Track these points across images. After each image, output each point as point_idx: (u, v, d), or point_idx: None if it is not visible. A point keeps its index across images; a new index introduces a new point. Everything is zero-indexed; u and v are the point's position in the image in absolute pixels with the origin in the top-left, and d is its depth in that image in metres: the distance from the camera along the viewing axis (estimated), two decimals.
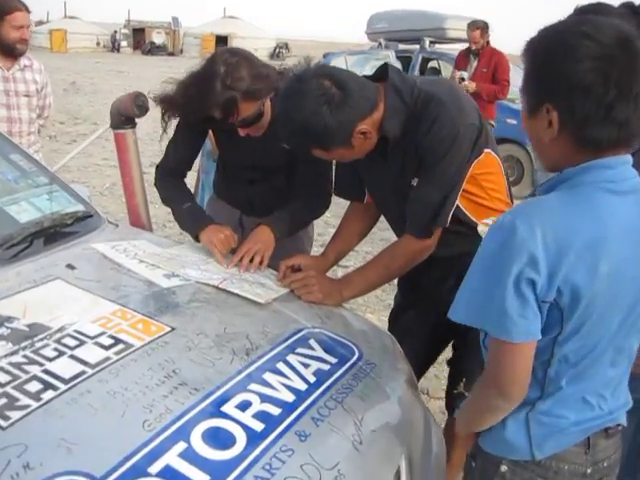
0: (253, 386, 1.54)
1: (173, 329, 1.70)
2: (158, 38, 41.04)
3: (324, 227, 6.35)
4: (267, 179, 2.52)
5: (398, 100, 1.93)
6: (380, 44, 10.35)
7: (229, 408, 1.44)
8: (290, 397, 1.54)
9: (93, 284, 1.89)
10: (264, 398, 1.51)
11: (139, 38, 41.80)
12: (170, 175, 2.48)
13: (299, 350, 1.75)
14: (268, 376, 1.59)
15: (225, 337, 1.72)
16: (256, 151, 2.40)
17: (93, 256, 2.09)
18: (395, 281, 2.46)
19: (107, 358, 1.53)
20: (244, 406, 1.46)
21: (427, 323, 2.46)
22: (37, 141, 3.85)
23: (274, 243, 2.29)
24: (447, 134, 1.90)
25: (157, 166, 2.50)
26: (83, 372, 1.46)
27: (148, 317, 1.74)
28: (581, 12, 1.85)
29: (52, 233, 2.19)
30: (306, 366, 1.68)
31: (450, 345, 2.55)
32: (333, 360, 1.76)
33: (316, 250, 2.89)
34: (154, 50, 38.94)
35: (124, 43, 40.65)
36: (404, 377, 1.91)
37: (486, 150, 2.02)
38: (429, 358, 2.58)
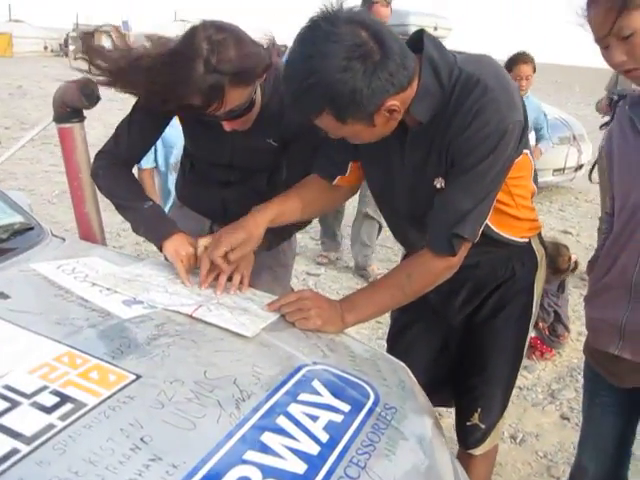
0: (250, 455, 1.14)
1: (138, 377, 1.29)
2: (108, 42, 40.16)
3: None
4: (246, 180, 2.10)
5: (434, 79, 1.53)
6: None
7: None
8: (300, 467, 1.15)
9: (32, 318, 1.46)
10: (267, 472, 1.11)
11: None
12: (122, 165, 1.99)
13: (302, 396, 1.35)
14: (268, 438, 1.20)
15: (207, 385, 1.31)
16: (237, 149, 1.97)
17: (32, 280, 1.67)
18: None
19: (50, 426, 1.11)
20: None
21: (434, 341, 2.11)
22: None
23: (254, 258, 1.90)
24: (492, 132, 1.51)
25: (100, 152, 2.01)
26: (14, 451, 1.04)
27: (105, 362, 1.32)
28: None
29: None
30: (314, 419, 1.29)
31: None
32: (346, 407, 1.37)
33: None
34: None
35: (72, 47, 39.65)
36: (430, 420, 1.53)
37: (525, 151, 1.66)
38: (439, 383, 2.21)
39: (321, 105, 1.44)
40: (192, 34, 1.66)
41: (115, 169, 1.98)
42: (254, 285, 1.85)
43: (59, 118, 2.10)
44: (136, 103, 1.92)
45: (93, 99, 2.02)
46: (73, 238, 2.11)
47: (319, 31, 1.39)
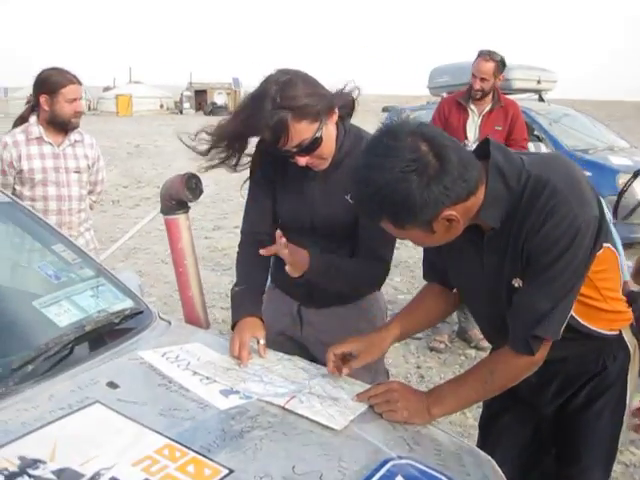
0: None
1: (231, 472, 1.38)
2: (219, 98, 41.64)
3: (393, 294, 5.99)
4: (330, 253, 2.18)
5: (501, 185, 1.59)
6: (443, 98, 10.07)
7: None
8: None
9: (138, 408, 1.59)
10: None
11: (201, 99, 42.46)
12: (247, 242, 2.24)
13: None
14: None
15: None
16: (318, 205, 2.11)
17: (139, 369, 1.81)
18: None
19: None
20: None
21: (526, 429, 2.10)
22: (88, 218, 3.66)
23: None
24: (565, 232, 1.54)
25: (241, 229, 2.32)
26: None
27: (201, 455, 1.42)
28: None
29: (96, 337, 1.94)
30: None
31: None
32: None
33: None
34: (216, 110, 39.18)
35: (187, 104, 41.48)
36: None
37: (605, 245, 1.67)
38: (529, 470, 2.19)
39: (379, 212, 1.55)
40: (265, 79, 1.93)
41: (243, 249, 2.25)
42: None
43: (165, 210, 2.27)
44: (250, 178, 2.18)
45: (197, 192, 2.18)
46: (178, 322, 2.24)
47: (381, 144, 1.52)
